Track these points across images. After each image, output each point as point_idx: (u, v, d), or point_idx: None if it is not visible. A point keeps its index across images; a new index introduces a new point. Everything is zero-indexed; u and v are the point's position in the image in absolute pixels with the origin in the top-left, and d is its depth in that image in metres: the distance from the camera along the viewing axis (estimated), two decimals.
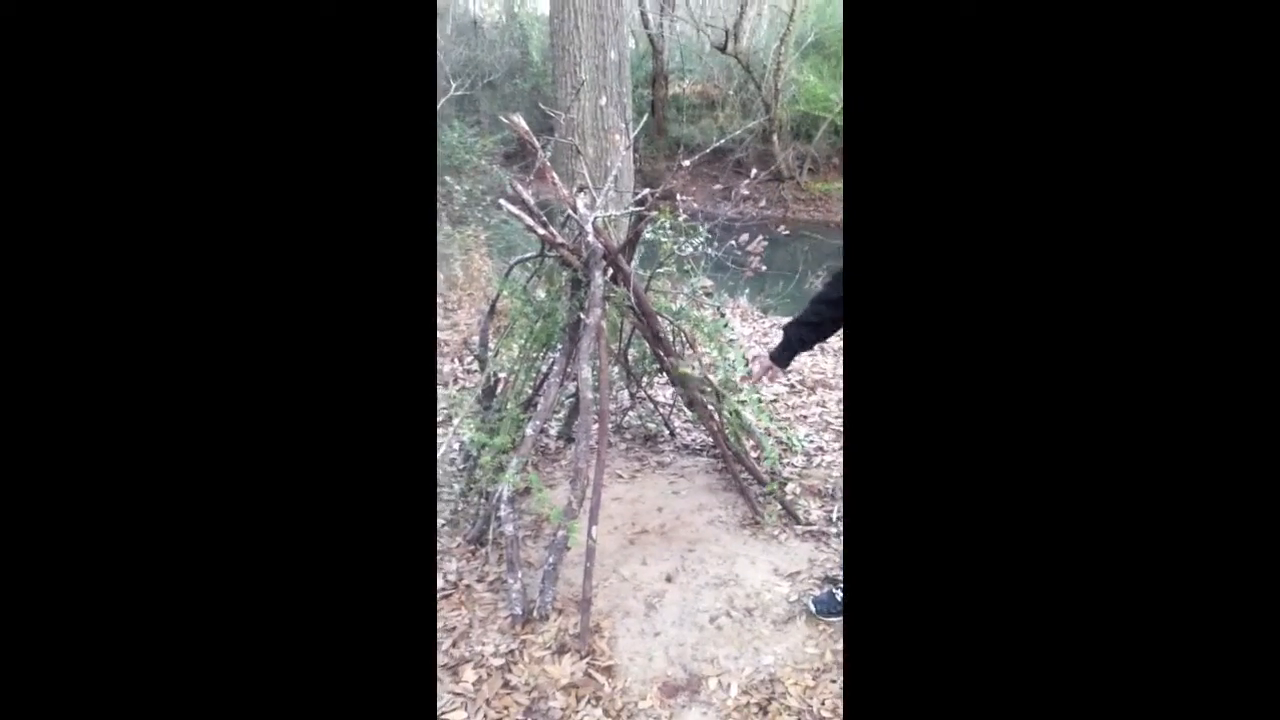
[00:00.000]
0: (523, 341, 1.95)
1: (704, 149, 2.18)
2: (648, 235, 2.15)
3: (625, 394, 2.76)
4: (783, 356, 1.68)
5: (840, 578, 1.83)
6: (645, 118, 2.78)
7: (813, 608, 1.73)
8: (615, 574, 1.93)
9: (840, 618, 1.69)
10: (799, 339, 1.63)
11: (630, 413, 2.85)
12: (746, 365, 2.12)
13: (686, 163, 1.70)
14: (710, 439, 2.27)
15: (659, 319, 2.09)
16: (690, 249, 2.01)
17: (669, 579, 1.90)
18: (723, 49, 11.08)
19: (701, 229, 2.18)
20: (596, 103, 3.40)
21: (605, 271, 1.87)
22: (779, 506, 2.17)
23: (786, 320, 1.72)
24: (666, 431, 2.74)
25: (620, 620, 1.76)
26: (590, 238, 1.79)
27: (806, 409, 3.04)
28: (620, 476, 2.48)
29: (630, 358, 2.47)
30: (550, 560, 1.79)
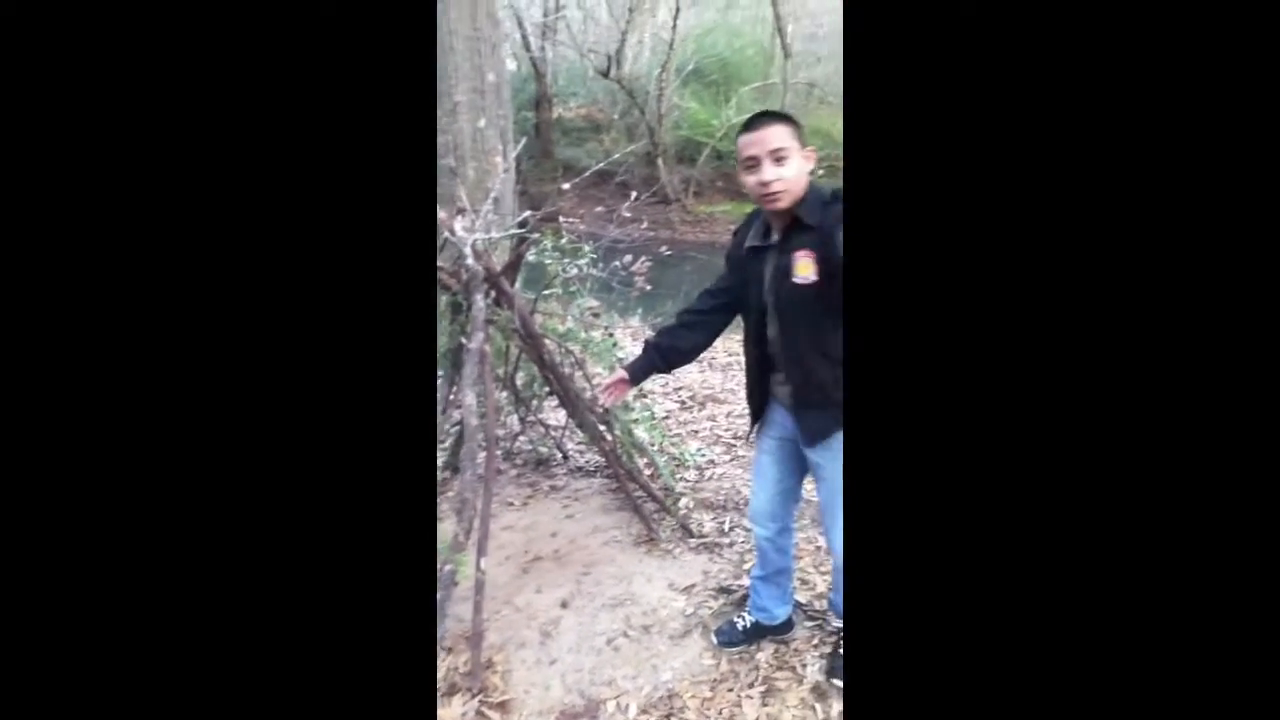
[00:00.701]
0: None
1: (587, 171, 2.20)
2: (531, 258, 2.13)
3: (515, 419, 2.71)
4: (636, 366, 1.58)
5: (737, 594, 1.87)
6: (524, 140, 2.75)
7: (715, 640, 1.71)
8: (508, 605, 1.87)
9: (745, 645, 1.69)
10: (656, 347, 1.57)
11: (521, 437, 2.80)
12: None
13: (566, 186, 1.71)
14: (603, 459, 2.27)
15: (546, 342, 2.07)
16: (575, 270, 2.01)
17: (564, 605, 1.86)
18: (605, 74, 11.30)
19: (586, 250, 2.19)
20: (475, 124, 3.36)
21: (487, 295, 1.83)
22: (673, 522, 2.20)
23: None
24: (559, 455, 2.71)
25: (514, 652, 1.70)
26: (469, 260, 1.75)
27: (698, 424, 3.11)
28: (511, 504, 2.42)
29: (519, 381, 2.43)
30: (437, 596, 1.70)
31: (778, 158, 1.25)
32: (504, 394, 2.51)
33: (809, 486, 1.63)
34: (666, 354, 1.57)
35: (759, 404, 1.52)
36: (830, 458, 1.38)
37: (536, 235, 1.75)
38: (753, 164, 1.27)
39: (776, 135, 1.25)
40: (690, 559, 2.07)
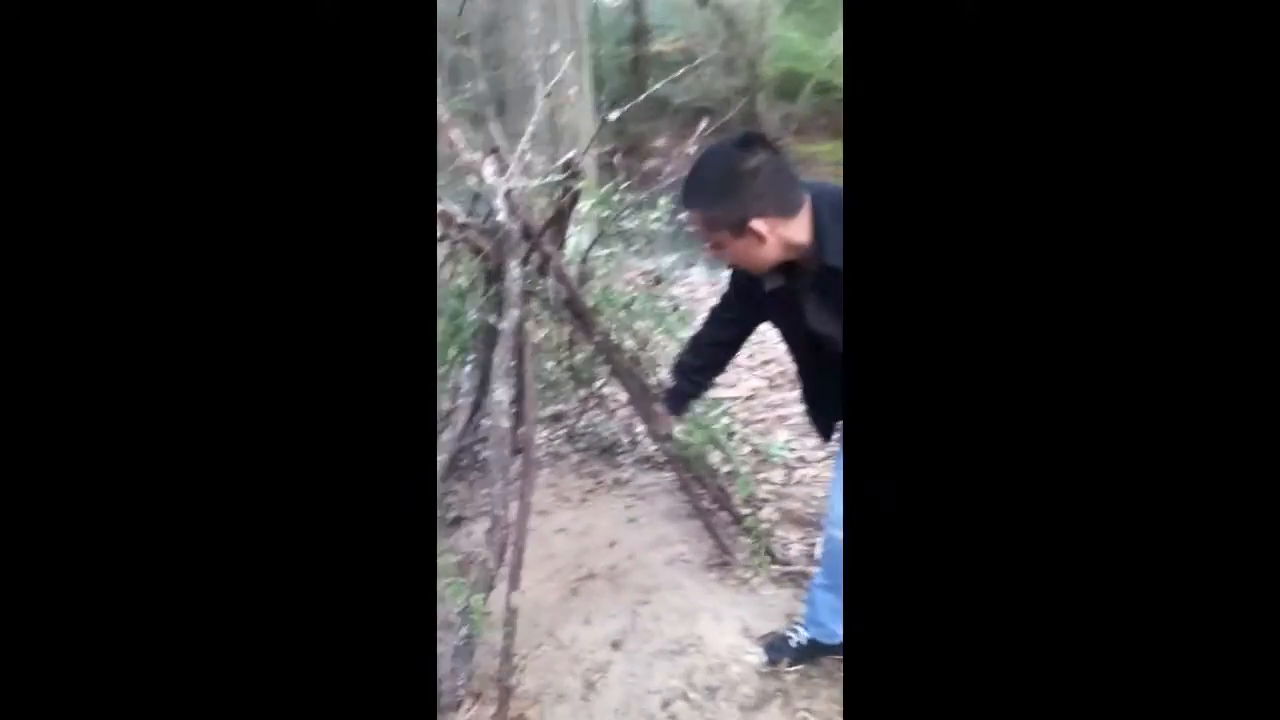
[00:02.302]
0: None
1: (689, 109, 1.76)
2: (591, 209, 1.73)
3: (581, 396, 2.36)
4: (676, 405, 1.51)
5: (831, 651, 1.46)
6: (566, 56, 2.21)
7: (762, 657, 1.45)
8: (551, 639, 1.56)
9: (795, 665, 1.43)
10: (691, 385, 1.47)
11: (589, 413, 2.46)
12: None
13: (613, 115, 1.28)
14: (669, 460, 1.88)
15: (602, 317, 1.68)
16: (635, 224, 1.59)
17: (616, 645, 1.53)
18: (704, 2, 10.43)
19: (663, 200, 1.75)
20: (545, 50, 2.92)
21: (526, 259, 1.45)
22: (752, 541, 1.80)
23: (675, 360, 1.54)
24: (626, 440, 2.35)
25: (550, 707, 1.39)
26: (500, 215, 1.37)
27: (787, 407, 2.64)
28: (568, 500, 2.10)
29: (578, 360, 2.07)
30: (462, 632, 1.40)
31: (713, 244, 1.06)
32: (563, 369, 2.17)
33: None
34: (702, 384, 1.50)
35: (830, 420, 1.40)
36: None
37: (577, 183, 1.34)
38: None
39: (696, 223, 1.05)
40: (771, 593, 1.67)
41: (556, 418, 2.56)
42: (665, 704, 1.38)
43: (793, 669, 1.43)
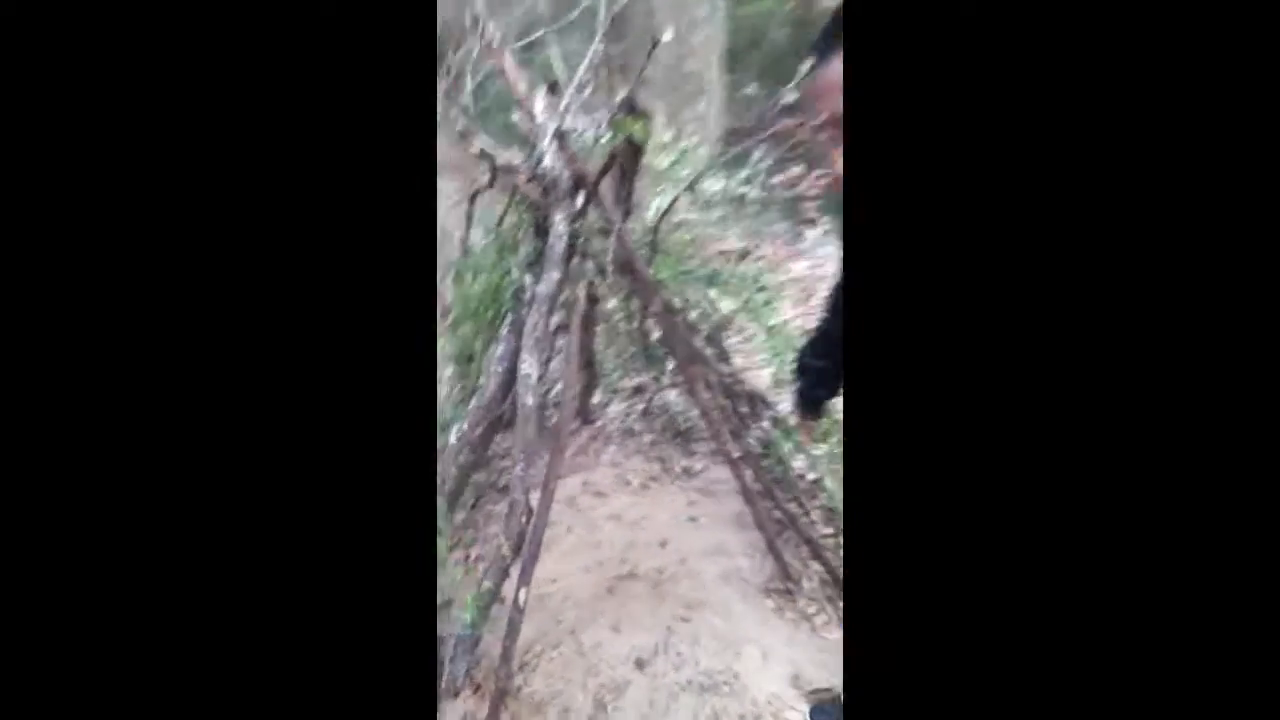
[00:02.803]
0: (456, 313, 1.38)
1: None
2: (671, 166, 1.49)
3: (653, 373, 2.16)
4: (811, 410, 1.24)
5: None
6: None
7: (808, 718, 1.21)
8: (572, 639, 1.40)
9: None
10: (825, 390, 1.20)
11: (664, 392, 2.25)
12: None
13: (667, 36, 1.03)
14: (735, 460, 1.63)
15: (667, 293, 1.45)
16: (719, 185, 1.34)
17: (640, 664, 1.34)
18: None
19: (754, 157, 1.48)
20: None
21: (579, 214, 1.25)
22: (822, 568, 1.53)
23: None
24: (705, 426, 2.12)
25: None
26: (546, 160, 1.17)
27: None
28: (628, 483, 1.92)
29: (650, 336, 1.86)
30: (466, 620, 1.28)
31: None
32: (639, 347, 1.97)
33: None
34: (834, 390, 1.19)
35: None
36: None
37: (636, 126, 1.10)
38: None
39: (823, 87, 0.74)
40: (836, 638, 1.40)
41: (639, 390, 2.38)
42: None
43: None
